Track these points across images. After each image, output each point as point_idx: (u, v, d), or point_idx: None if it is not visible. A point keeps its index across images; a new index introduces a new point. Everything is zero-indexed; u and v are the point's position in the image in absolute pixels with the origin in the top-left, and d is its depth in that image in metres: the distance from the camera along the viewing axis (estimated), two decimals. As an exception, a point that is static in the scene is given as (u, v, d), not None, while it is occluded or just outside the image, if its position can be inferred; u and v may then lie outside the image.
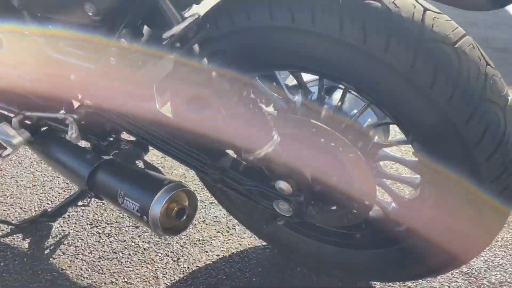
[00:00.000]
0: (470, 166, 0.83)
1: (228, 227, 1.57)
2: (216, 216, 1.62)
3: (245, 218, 1.40)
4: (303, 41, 0.85)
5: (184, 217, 1.12)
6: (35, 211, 1.62)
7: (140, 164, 1.33)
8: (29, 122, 1.42)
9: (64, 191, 1.73)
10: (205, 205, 1.66)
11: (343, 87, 1.12)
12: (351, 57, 0.83)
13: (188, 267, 1.40)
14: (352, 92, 1.12)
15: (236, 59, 0.92)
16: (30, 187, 1.74)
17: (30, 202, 1.66)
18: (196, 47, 0.85)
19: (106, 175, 1.23)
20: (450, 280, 1.39)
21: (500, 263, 1.47)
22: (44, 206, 1.65)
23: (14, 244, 1.46)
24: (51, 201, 1.67)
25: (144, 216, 1.09)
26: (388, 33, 0.77)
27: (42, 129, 1.45)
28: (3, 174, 1.81)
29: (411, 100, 0.81)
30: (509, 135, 0.82)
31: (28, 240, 1.47)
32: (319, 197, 1.04)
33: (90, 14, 0.97)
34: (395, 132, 1.68)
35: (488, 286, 1.38)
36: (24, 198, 1.68)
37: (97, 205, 1.65)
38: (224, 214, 1.63)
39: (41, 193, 1.71)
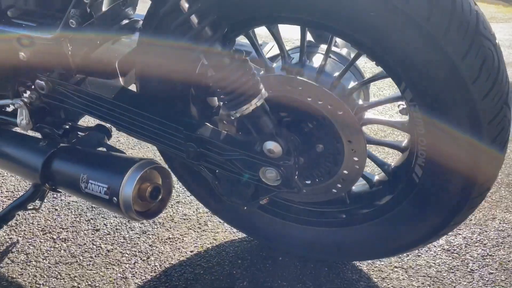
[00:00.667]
0: (468, 107, 0.80)
1: (200, 223, 1.45)
2: (185, 214, 1.49)
3: (221, 207, 1.29)
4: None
5: (159, 198, 1.01)
6: (-24, 221, 1.41)
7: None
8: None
9: (9, 199, 1.53)
10: (172, 204, 1.53)
11: (322, 52, 1.09)
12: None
13: (160, 265, 1.26)
14: (332, 56, 1.08)
15: (216, 6, 0.84)
16: (-33, 198, 1.53)
17: (-32, 213, 1.44)
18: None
19: (63, 162, 1.09)
20: (434, 257, 1.36)
21: (478, 239, 1.46)
22: (-15, 215, 1.44)
23: (-49, 256, 1.25)
24: (-6, 210, 1.47)
25: (114, 198, 0.96)
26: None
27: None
28: None
29: (406, 38, 0.77)
30: (502, 73, 0.81)
31: (-32, 250, 1.27)
32: (307, 162, 0.97)
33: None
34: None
35: (471, 259, 1.36)
36: (-40, 209, 1.46)
37: (49, 211, 1.47)
38: (194, 211, 1.51)
39: (-19, 203, 1.50)
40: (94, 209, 1.49)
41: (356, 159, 0.98)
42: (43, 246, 1.30)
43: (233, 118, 1.03)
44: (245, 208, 1.11)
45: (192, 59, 1.01)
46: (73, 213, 1.47)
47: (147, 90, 1.10)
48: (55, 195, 1.54)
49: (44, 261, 1.24)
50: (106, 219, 1.44)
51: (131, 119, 1.07)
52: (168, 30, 0.95)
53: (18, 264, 1.23)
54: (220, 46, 0.80)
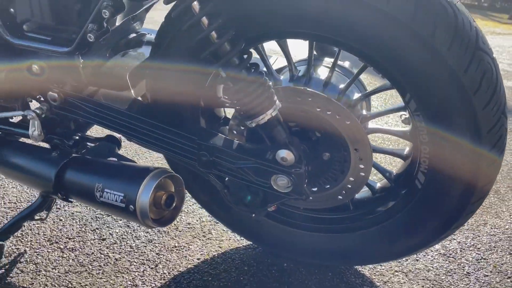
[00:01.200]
0: (470, 116, 0.86)
1: (204, 232, 1.48)
2: (189, 223, 1.52)
3: (227, 215, 1.33)
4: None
5: (173, 206, 1.04)
6: (-20, 232, 1.41)
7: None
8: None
9: (12, 210, 1.54)
10: (176, 213, 1.55)
11: (326, 64, 1.14)
12: (350, 14, 0.84)
13: (169, 273, 1.28)
14: (337, 69, 1.13)
15: (235, 22, 0.89)
16: (-30, 209, 1.53)
17: (-28, 224, 1.45)
18: (195, 6, 0.82)
19: (76, 172, 1.11)
20: (432, 261, 1.41)
21: (471, 243, 1.52)
22: (-10, 227, 1.44)
23: (-41, 267, 1.25)
24: (-2, 222, 1.48)
25: (131, 206, 0.99)
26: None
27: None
28: None
29: (412, 52, 0.83)
30: (500, 84, 0.87)
31: (-24, 261, 1.27)
32: (315, 169, 1.02)
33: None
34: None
35: (467, 263, 1.41)
36: (-36, 220, 1.46)
37: (54, 222, 1.48)
38: (197, 220, 1.54)
39: (-16, 214, 1.51)
40: (98, 219, 1.50)
41: (362, 166, 1.03)
42: (51, 256, 1.32)
43: (245, 127, 1.08)
44: (253, 215, 1.15)
45: (203, 72, 1.06)
46: (78, 223, 1.48)
47: (158, 101, 1.14)
48: (58, 206, 1.56)
49: (54, 270, 1.26)
50: (112, 228, 1.46)
51: (143, 129, 1.11)
52: (182, 44, 0.99)
53: (28, 274, 1.23)
54: (238, 60, 0.85)
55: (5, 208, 1.55)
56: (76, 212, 1.54)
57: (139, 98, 1.17)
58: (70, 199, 1.15)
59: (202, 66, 0.97)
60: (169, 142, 1.09)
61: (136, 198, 0.98)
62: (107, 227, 1.47)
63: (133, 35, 1.28)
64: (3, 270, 1.24)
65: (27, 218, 1.32)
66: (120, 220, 1.50)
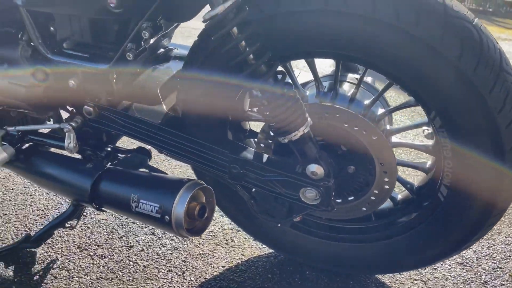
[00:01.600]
0: (493, 134, 0.90)
1: (227, 240, 1.53)
2: (211, 231, 1.57)
3: (251, 224, 1.37)
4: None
5: (205, 216, 1.09)
6: (12, 239, 1.46)
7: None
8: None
9: (41, 217, 1.59)
10: (199, 221, 1.60)
11: (349, 80, 1.19)
12: (379, 34, 0.88)
13: (196, 280, 1.33)
14: (361, 85, 1.18)
15: (270, 43, 0.93)
16: (1, 217, 1.58)
17: (5, 231, 1.50)
18: (234, 30, 0.87)
19: (112, 182, 1.16)
20: (450, 270, 1.45)
21: (487, 252, 1.56)
22: (21, 233, 1.50)
23: (-4, 273, 1.30)
24: (29, 229, 1.53)
25: (166, 216, 1.04)
26: (417, 9, 0.84)
27: (26, 145, 1.35)
28: (-34, 206, 1.63)
29: (440, 74, 0.88)
30: (522, 104, 0.91)
31: (11, 268, 1.32)
32: (344, 182, 1.06)
33: (112, 5, 0.96)
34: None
35: (484, 272, 1.45)
36: (-4, 227, 1.52)
37: (82, 229, 1.53)
38: (219, 228, 1.58)
39: (15, 221, 1.56)
40: (124, 226, 1.55)
41: (386, 179, 1.08)
42: (82, 262, 1.37)
43: (273, 141, 1.12)
44: (279, 225, 1.19)
45: (234, 87, 1.11)
46: (105, 230, 1.53)
47: (189, 115, 1.19)
48: (85, 213, 1.61)
49: (86, 277, 1.30)
50: (138, 235, 1.51)
51: (175, 142, 1.16)
52: (218, 62, 1.04)
53: (61, 280, 1.28)
54: (274, 80, 0.90)
55: (33, 215, 1.60)
56: (102, 219, 1.59)
57: (171, 112, 1.22)
58: (103, 208, 1.20)
59: (236, 83, 1.02)
60: (200, 154, 1.13)
61: (171, 209, 1.03)
62: (133, 234, 1.51)
63: (162, 50, 1.33)
64: (37, 277, 1.29)
65: (58, 226, 1.37)
66: (146, 227, 1.55)
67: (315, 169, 0.98)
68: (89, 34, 1.08)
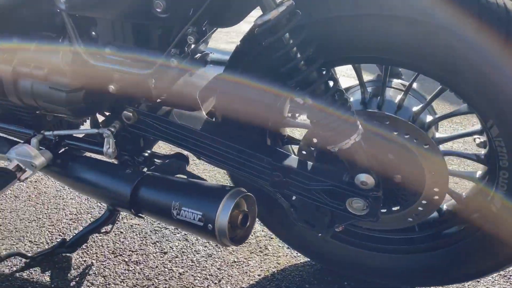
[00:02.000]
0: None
1: (260, 247, 1.50)
2: (245, 238, 1.54)
3: (287, 233, 1.34)
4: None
5: (247, 224, 1.06)
6: (48, 243, 1.46)
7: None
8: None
9: (74, 222, 1.59)
10: (231, 228, 1.58)
11: (398, 86, 1.15)
12: (436, 41, 0.85)
13: (233, 289, 1.30)
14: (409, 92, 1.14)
15: (322, 47, 0.90)
16: (35, 220, 1.58)
17: (39, 235, 1.50)
18: (286, 36, 0.84)
19: (152, 189, 1.14)
20: (493, 283, 1.39)
21: (530, 264, 1.49)
22: (55, 237, 1.50)
23: (33, 278, 1.30)
24: (63, 233, 1.52)
25: (209, 225, 1.02)
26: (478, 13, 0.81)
27: (63, 149, 1.35)
28: (0, 209, 1.64)
29: (502, 80, 0.84)
30: None
31: (48, 273, 1.31)
32: (390, 192, 1.03)
33: (158, 10, 0.94)
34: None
35: (529, 285, 1.39)
36: (31, 232, 1.52)
37: (115, 234, 1.52)
38: (252, 235, 1.56)
39: (49, 225, 1.56)
40: (157, 231, 1.54)
41: (436, 189, 1.04)
42: (118, 268, 1.35)
43: (316, 148, 1.09)
44: (320, 235, 1.16)
45: (275, 96, 1.09)
46: (138, 235, 1.52)
47: (228, 120, 1.16)
48: (117, 218, 1.60)
49: (122, 283, 1.29)
50: (171, 242, 1.49)
51: (214, 148, 1.14)
52: (263, 68, 1.02)
53: (98, 287, 1.27)
54: (325, 87, 0.87)
55: (67, 219, 1.60)
56: (135, 224, 1.58)
57: (210, 117, 1.20)
58: (141, 215, 1.19)
59: (282, 90, 0.99)
60: (241, 161, 1.11)
61: (215, 217, 1.01)
62: (167, 240, 1.50)
63: (199, 55, 1.31)
64: (74, 283, 1.28)
65: (94, 231, 1.36)
66: (178, 233, 1.53)
67: (365, 178, 0.95)
68: (132, 39, 1.07)
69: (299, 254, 1.46)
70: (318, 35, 0.91)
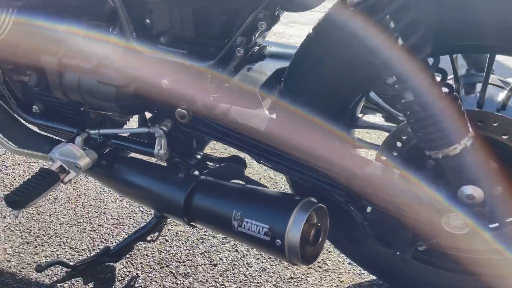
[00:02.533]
0: None
1: (318, 262, 1.35)
2: (300, 250, 1.39)
3: (354, 248, 1.19)
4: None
5: (320, 240, 0.92)
6: (89, 250, 1.36)
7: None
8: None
9: (116, 227, 1.48)
10: (285, 238, 1.44)
11: (496, 82, 0.98)
12: None
13: (293, 310, 1.16)
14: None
15: (433, 33, 0.75)
16: (75, 224, 1.49)
17: (80, 241, 1.40)
18: (387, 18, 0.69)
19: (208, 196, 1.02)
20: None
21: None
22: (97, 244, 1.39)
23: (75, 289, 1.19)
24: (105, 239, 1.42)
25: (278, 240, 0.88)
26: None
27: (108, 149, 1.24)
28: (40, 211, 1.55)
29: None
30: None
31: (91, 284, 1.21)
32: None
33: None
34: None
35: None
36: (72, 237, 1.42)
37: (160, 242, 1.41)
38: (308, 247, 1.41)
39: (90, 231, 1.46)
40: (204, 240, 1.41)
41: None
42: (165, 281, 1.24)
43: (398, 153, 0.94)
44: (398, 254, 1.01)
45: (354, 91, 0.94)
46: (185, 244, 1.40)
47: (295, 120, 1.03)
48: (162, 225, 1.48)
49: (171, 299, 1.17)
50: (220, 252, 1.36)
51: (279, 151, 1.00)
52: (342, 58, 0.88)
53: (145, 302, 1.16)
54: (430, 80, 0.72)
55: (108, 224, 1.50)
56: (180, 231, 1.46)
57: (275, 117, 1.07)
58: (194, 224, 1.07)
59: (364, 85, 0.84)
60: (311, 168, 0.97)
61: (285, 232, 0.87)
62: (215, 250, 1.37)
63: (256, 47, 1.18)
64: (119, 296, 1.17)
65: (139, 240, 1.25)
66: (227, 243, 1.41)
67: (472, 191, 0.79)
68: (191, 26, 0.95)
69: (363, 271, 1.30)
70: (429, 18, 0.75)
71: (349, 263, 1.33)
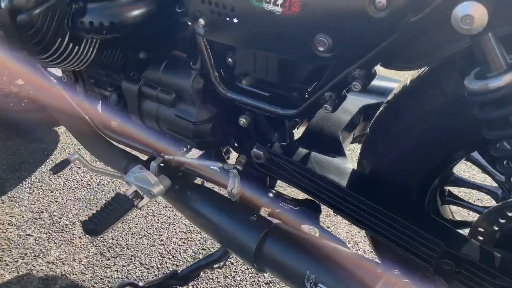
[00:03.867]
0: None
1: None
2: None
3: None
4: None
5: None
6: (157, 268, 1.39)
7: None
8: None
9: (184, 243, 1.49)
10: None
11: None
12: None
13: None
14: None
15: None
16: (146, 236, 1.52)
17: (149, 256, 1.43)
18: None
19: (282, 247, 0.97)
20: None
21: None
22: (165, 261, 1.41)
23: (143, 312, 1.22)
24: (172, 256, 1.44)
25: (355, 317, 0.82)
26: None
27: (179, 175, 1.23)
28: (113, 217, 1.60)
29: None
30: None
31: (157, 308, 1.23)
32: None
33: (321, 50, 0.74)
34: None
35: None
36: (142, 251, 1.45)
37: (225, 265, 1.40)
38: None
39: (159, 244, 1.48)
40: (270, 268, 1.38)
41: None
42: (229, 313, 1.23)
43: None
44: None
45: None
46: (250, 271, 1.38)
47: (382, 176, 0.94)
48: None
49: (235, 336, 1.16)
50: (284, 286, 1.33)
51: (361, 209, 0.92)
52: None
53: (209, 336, 1.16)
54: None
55: (176, 239, 1.51)
56: (246, 255, 1.44)
57: (359, 168, 0.99)
58: (264, 271, 1.03)
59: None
60: (395, 233, 0.88)
61: (364, 309, 0.81)
62: (280, 281, 1.34)
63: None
64: (184, 326, 1.18)
65: (207, 267, 1.24)
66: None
67: None
68: (276, 73, 0.88)
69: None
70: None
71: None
